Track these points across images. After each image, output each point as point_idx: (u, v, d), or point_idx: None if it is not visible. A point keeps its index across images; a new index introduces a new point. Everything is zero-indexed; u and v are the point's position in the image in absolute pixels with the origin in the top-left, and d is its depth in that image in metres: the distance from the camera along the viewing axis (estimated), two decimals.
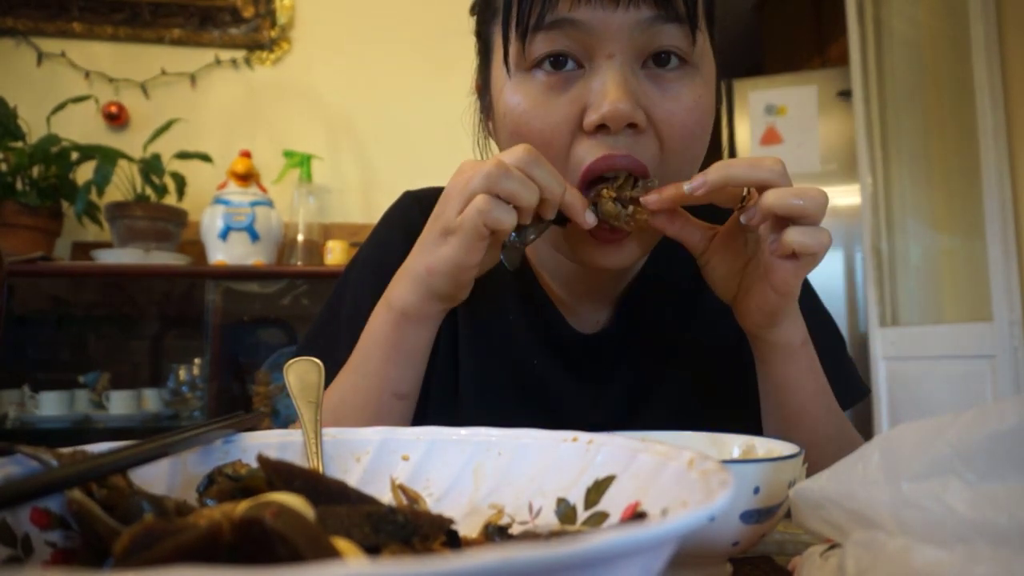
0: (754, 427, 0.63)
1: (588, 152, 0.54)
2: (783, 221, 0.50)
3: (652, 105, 0.54)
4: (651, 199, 0.53)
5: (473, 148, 0.73)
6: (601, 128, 0.53)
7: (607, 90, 0.52)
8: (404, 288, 0.57)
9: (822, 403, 0.60)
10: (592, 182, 0.55)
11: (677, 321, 0.71)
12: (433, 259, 0.54)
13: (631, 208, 0.54)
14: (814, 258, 0.50)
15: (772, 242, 0.51)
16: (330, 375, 0.50)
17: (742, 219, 0.52)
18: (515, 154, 0.50)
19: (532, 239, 0.54)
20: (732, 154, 3.37)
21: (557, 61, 0.55)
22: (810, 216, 0.48)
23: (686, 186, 0.51)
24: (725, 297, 0.58)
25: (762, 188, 0.50)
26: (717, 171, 0.50)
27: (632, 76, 0.54)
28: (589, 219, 0.53)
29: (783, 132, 3.07)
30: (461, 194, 0.51)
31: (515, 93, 0.57)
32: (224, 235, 2.03)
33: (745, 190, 0.53)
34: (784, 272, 0.51)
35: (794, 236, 0.48)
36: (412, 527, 0.27)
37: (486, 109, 0.66)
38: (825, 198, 0.49)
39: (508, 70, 0.57)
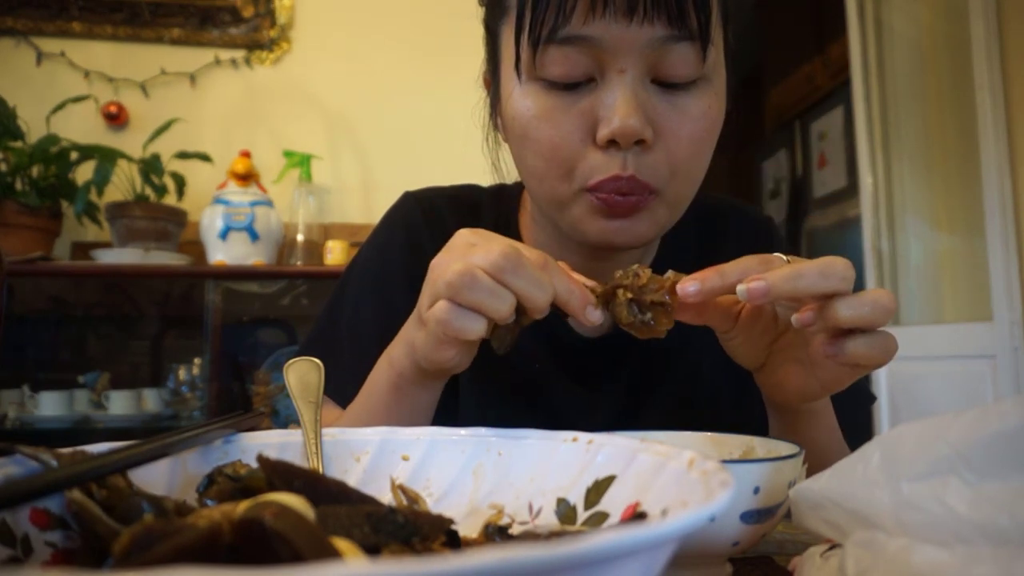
0: (755, 434, 0.62)
1: (597, 168, 0.54)
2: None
3: (661, 119, 0.54)
4: (689, 290, 0.45)
5: (482, 144, 0.73)
6: (612, 143, 0.53)
7: (618, 106, 0.52)
8: (400, 351, 0.54)
9: (835, 452, 0.58)
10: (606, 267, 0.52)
11: (680, 326, 0.70)
12: (415, 339, 0.51)
13: (648, 315, 0.47)
14: (878, 366, 0.45)
15: (830, 347, 0.45)
16: (331, 377, 0.49)
17: (796, 322, 0.45)
18: (489, 256, 0.44)
19: (527, 323, 0.48)
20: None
21: (568, 75, 0.54)
22: (876, 324, 0.43)
23: (741, 290, 0.43)
24: (748, 366, 0.54)
25: (828, 296, 0.44)
26: (785, 282, 0.42)
27: (642, 91, 0.53)
28: (592, 317, 0.47)
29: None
30: (431, 290, 0.47)
31: (525, 98, 0.56)
32: (224, 235, 2.03)
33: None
34: (841, 376, 0.47)
35: (861, 350, 0.43)
36: (412, 527, 0.27)
37: (494, 104, 0.66)
38: (894, 304, 0.43)
39: (519, 76, 0.56)
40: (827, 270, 0.43)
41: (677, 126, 0.54)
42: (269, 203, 2.10)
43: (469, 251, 0.46)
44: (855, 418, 0.66)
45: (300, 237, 2.17)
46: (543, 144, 0.55)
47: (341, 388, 0.66)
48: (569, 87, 0.54)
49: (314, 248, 2.18)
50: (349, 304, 0.71)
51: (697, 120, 0.55)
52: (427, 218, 0.72)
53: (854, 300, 0.43)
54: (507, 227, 0.73)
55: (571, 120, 0.54)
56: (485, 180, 0.83)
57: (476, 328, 0.46)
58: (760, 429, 0.61)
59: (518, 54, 0.55)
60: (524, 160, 0.59)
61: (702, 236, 0.73)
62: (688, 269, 0.50)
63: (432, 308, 0.46)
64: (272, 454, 0.33)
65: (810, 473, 0.41)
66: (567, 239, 0.67)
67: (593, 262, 0.67)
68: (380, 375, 0.57)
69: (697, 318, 0.50)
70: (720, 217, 0.75)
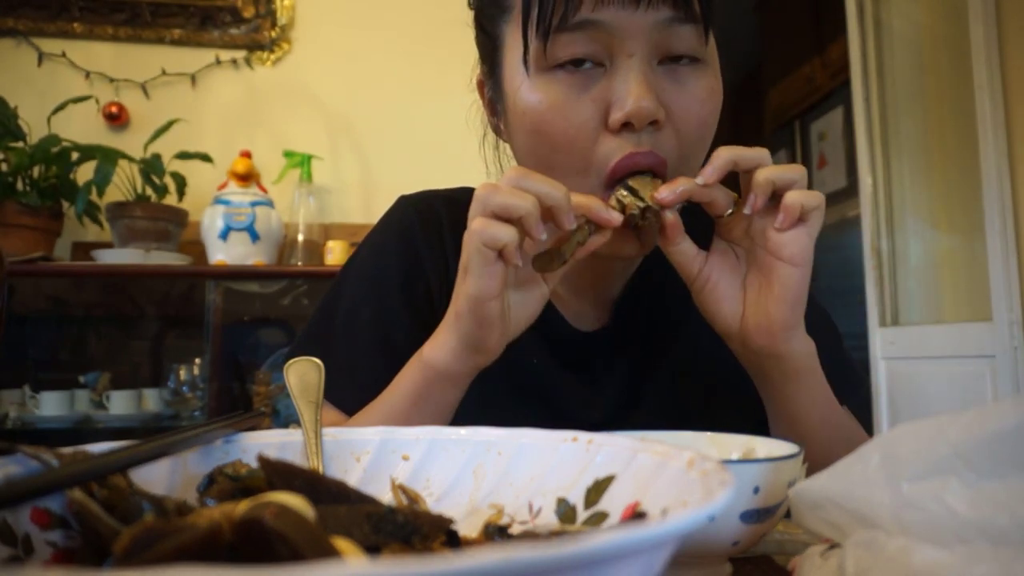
0: (751, 424, 0.63)
1: (613, 151, 0.55)
2: (775, 207, 0.53)
3: (670, 100, 0.56)
4: (664, 195, 0.53)
5: (480, 145, 0.73)
6: (625, 126, 0.54)
7: (630, 88, 0.53)
8: (436, 343, 0.56)
9: (834, 425, 0.59)
10: (615, 183, 0.56)
11: (676, 318, 0.71)
12: (457, 303, 0.54)
13: (649, 218, 0.55)
14: (819, 215, 0.53)
15: (778, 219, 0.53)
16: (325, 377, 0.50)
17: (746, 210, 0.53)
18: (504, 176, 0.51)
19: (570, 255, 0.53)
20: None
21: (578, 61, 0.55)
22: (800, 183, 0.52)
23: (699, 179, 0.53)
24: (730, 323, 0.57)
25: (755, 170, 0.53)
26: (724, 158, 0.53)
27: (651, 73, 0.55)
28: (614, 217, 0.53)
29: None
30: (468, 235, 0.51)
31: (534, 92, 0.56)
32: (224, 235, 2.03)
33: (730, 208, 0.56)
34: (799, 239, 0.52)
35: (797, 197, 0.51)
36: (412, 527, 0.27)
37: (491, 106, 0.66)
38: (804, 169, 0.53)
39: (527, 69, 0.57)
40: (749, 148, 0.53)
41: (686, 106, 0.56)
42: (269, 203, 2.10)
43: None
44: (849, 403, 0.67)
45: (300, 237, 2.17)
46: (557, 136, 0.56)
47: (335, 388, 0.66)
48: (579, 76, 0.55)
49: (314, 248, 2.19)
50: (345, 305, 0.71)
51: (704, 102, 0.57)
52: (422, 220, 0.73)
53: (774, 166, 0.52)
54: None
55: (583, 108, 0.55)
56: (484, 179, 0.83)
57: (505, 234, 0.49)
58: (757, 426, 0.62)
59: (526, 46, 0.56)
60: (537, 154, 0.59)
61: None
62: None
63: (469, 227, 0.50)
64: (272, 454, 0.33)
65: (811, 459, 0.41)
66: None
67: (595, 265, 0.67)
68: (408, 373, 0.58)
69: (674, 248, 0.56)
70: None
